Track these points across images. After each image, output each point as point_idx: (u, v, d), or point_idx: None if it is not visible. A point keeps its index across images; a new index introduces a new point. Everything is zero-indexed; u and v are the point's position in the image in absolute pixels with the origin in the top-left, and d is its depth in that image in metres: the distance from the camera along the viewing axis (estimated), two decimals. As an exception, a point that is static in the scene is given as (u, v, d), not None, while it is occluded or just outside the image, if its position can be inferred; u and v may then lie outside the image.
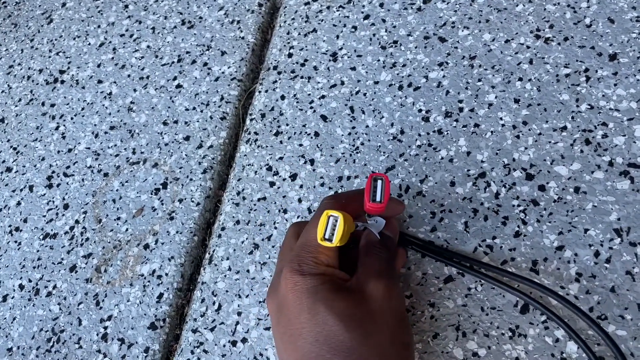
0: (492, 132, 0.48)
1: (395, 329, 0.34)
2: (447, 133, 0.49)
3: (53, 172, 0.62)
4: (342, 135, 0.53)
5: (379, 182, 0.35)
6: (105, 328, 0.50)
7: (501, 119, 0.48)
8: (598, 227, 0.41)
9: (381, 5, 0.59)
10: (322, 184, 0.51)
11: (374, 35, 0.58)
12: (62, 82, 0.69)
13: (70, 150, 0.63)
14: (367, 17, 0.59)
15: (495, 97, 0.49)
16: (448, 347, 0.40)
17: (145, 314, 0.50)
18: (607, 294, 0.39)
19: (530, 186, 0.45)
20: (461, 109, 0.50)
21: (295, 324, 0.33)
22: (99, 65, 0.68)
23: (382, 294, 0.34)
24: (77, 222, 0.57)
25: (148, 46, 0.68)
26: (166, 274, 0.51)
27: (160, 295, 0.50)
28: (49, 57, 0.73)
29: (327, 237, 0.33)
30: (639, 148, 0.43)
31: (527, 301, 0.40)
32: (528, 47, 0.51)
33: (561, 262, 0.41)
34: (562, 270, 0.41)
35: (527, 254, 0.42)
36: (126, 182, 0.58)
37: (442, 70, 0.53)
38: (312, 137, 0.54)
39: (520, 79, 0.50)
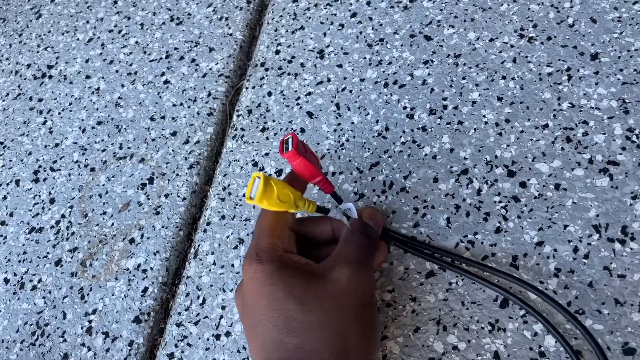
0: (475, 129, 0.48)
1: (358, 313, 0.34)
2: (431, 130, 0.50)
3: (40, 166, 0.62)
4: (328, 131, 0.53)
5: (289, 138, 0.38)
6: (90, 322, 0.50)
7: (484, 116, 0.49)
8: (577, 224, 0.42)
9: (368, 3, 0.59)
10: (307, 180, 0.51)
11: (360, 33, 0.58)
12: (50, 77, 0.69)
13: (57, 144, 0.63)
14: (354, 14, 0.59)
15: (479, 95, 0.50)
16: (429, 340, 0.41)
17: (129, 308, 0.50)
18: (585, 289, 0.40)
19: (512, 183, 0.45)
20: (445, 107, 0.50)
21: (256, 313, 0.34)
22: (87, 61, 0.68)
23: (347, 277, 0.34)
24: (63, 216, 0.57)
25: (136, 42, 0.68)
26: (151, 268, 0.51)
27: (145, 289, 0.50)
28: (37, 52, 0.72)
29: (252, 196, 0.34)
30: (618, 146, 0.44)
31: (506, 296, 0.40)
32: (512, 46, 0.51)
33: (541, 257, 0.42)
34: (542, 266, 0.41)
35: (508, 250, 0.43)
36: (113, 177, 0.58)
37: (427, 68, 0.53)
38: (298, 133, 0.54)
39: (503, 78, 0.50)
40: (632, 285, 0.39)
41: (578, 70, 0.48)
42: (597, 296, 0.39)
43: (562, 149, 0.45)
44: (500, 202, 0.45)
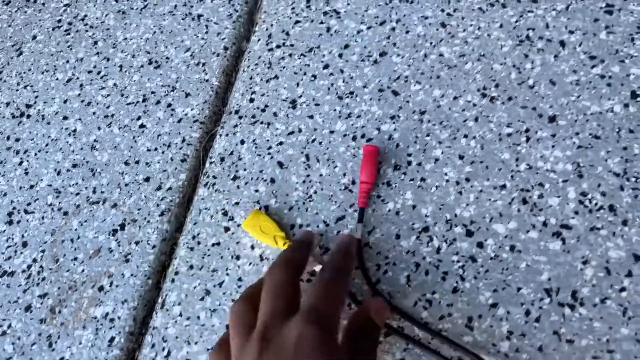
0: (436, 187, 0.50)
1: None
2: (395, 186, 0.51)
3: (14, 208, 0.62)
4: (297, 183, 0.54)
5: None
6: (57, 370, 0.51)
7: (446, 174, 0.50)
8: (530, 286, 0.44)
9: (340, 55, 0.61)
10: (274, 232, 0.52)
11: (332, 85, 0.60)
12: (28, 116, 0.70)
13: (32, 186, 0.63)
14: (326, 66, 0.61)
15: (442, 153, 0.52)
16: (384, 400, 0.42)
17: (96, 358, 0.50)
18: (535, 353, 0.41)
19: (470, 243, 0.47)
20: (409, 163, 0.52)
21: None
22: (65, 101, 0.69)
23: None
24: (34, 260, 0.58)
25: (115, 84, 0.69)
26: (119, 317, 0.52)
27: (112, 339, 0.51)
28: (17, 90, 0.73)
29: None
30: (572, 210, 0.46)
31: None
32: (474, 104, 0.53)
33: (494, 319, 0.43)
34: (495, 328, 0.43)
35: (463, 310, 0.44)
36: (85, 221, 0.59)
37: (394, 123, 0.55)
38: (268, 184, 0.55)
39: (465, 136, 0.52)
40: (579, 351, 0.40)
41: (536, 132, 0.50)
42: (546, 360, 0.41)
43: (519, 210, 0.47)
44: (458, 261, 0.46)
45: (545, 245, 0.45)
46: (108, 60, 0.72)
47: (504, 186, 0.48)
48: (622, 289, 0.42)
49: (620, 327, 0.41)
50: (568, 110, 0.50)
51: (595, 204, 0.46)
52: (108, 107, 0.67)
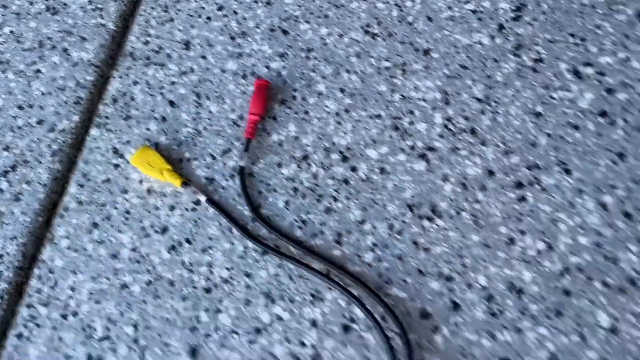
0: (318, 118, 0.52)
1: None
2: (281, 120, 0.53)
3: None
4: (187, 120, 0.56)
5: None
6: (-57, 307, 0.51)
7: (327, 107, 0.53)
8: (395, 203, 0.46)
9: (234, -2, 0.62)
10: (163, 166, 0.53)
11: (225, 26, 0.61)
12: None
13: None
14: (220, 8, 0.62)
15: (325, 87, 0.54)
16: (257, 312, 0.44)
17: (-17, 293, 0.51)
18: (395, 261, 0.44)
19: (345, 167, 0.49)
20: (295, 97, 0.54)
21: None
22: (-42, 49, 0.68)
23: None
24: None
25: (11, 31, 0.68)
26: (7, 253, 0.52)
27: (0, 274, 0.51)
28: None
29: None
30: (437, 133, 0.49)
31: (320, 279, 0.44)
32: (358, 41, 0.55)
33: (361, 234, 0.46)
34: (361, 242, 0.45)
35: (335, 228, 0.46)
36: (-24, 164, 0.58)
37: (283, 61, 0.56)
38: (159, 122, 0.56)
39: (347, 71, 0.54)
40: (434, 257, 0.44)
41: (412, 65, 0.53)
42: (404, 267, 0.44)
43: (390, 136, 0.50)
44: (333, 185, 0.49)
45: (412, 166, 0.48)
46: (5, 7, 0.70)
47: (379, 115, 0.51)
48: (476, 201, 0.45)
49: (471, 234, 0.44)
50: (441, 44, 0.53)
51: (459, 128, 0.49)
52: (3, 54, 0.66)
